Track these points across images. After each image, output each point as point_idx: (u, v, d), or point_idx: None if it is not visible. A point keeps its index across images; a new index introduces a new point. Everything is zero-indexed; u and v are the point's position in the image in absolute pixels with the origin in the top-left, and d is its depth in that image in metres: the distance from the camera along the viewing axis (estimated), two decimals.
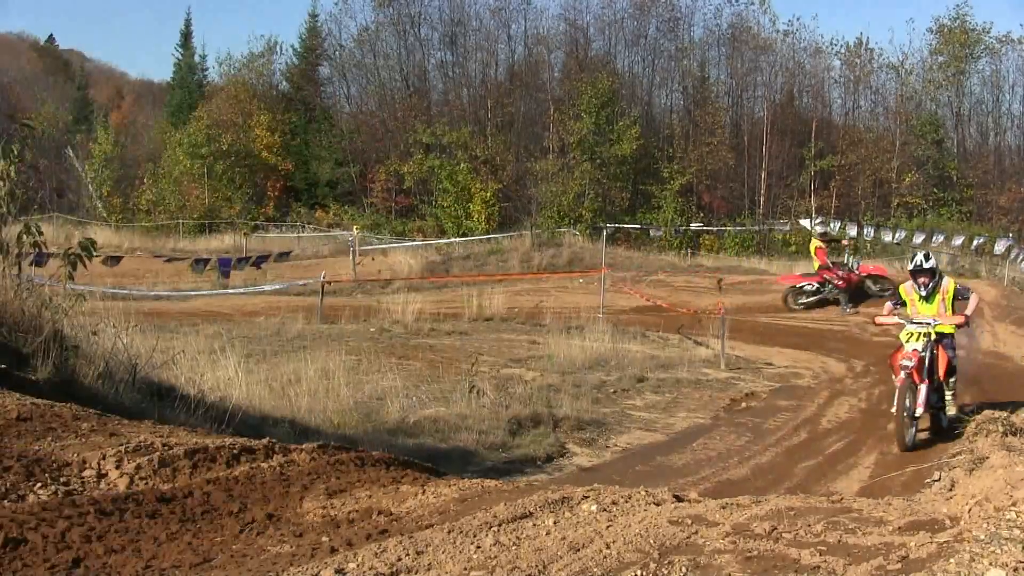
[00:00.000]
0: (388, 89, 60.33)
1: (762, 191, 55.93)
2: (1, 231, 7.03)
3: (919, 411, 11.24)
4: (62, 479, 3.65)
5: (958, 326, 12.02)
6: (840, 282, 24.98)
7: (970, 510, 2.85)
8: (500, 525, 2.97)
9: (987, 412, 8.99)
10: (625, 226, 44.71)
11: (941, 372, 11.56)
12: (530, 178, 53.00)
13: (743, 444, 11.50)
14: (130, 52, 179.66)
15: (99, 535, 3.01)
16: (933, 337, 11.54)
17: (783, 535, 2.75)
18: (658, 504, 3.36)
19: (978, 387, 15.51)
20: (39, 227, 7.27)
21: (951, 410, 12.02)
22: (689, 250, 45.20)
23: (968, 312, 12.08)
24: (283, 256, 30.92)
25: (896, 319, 12.00)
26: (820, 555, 2.54)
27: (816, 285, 25.59)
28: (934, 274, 12.07)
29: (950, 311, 12.04)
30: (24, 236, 7.05)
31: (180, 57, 69.12)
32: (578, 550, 2.69)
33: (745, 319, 23.48)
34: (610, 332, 18.94)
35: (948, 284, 12.21)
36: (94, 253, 7.60)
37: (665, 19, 60.45)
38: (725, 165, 54.99)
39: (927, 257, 12.19)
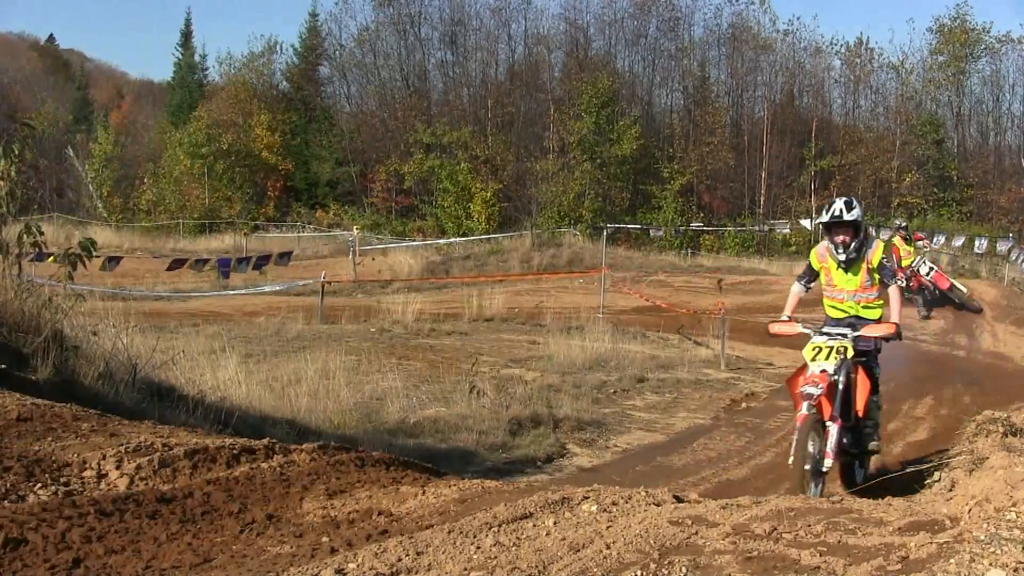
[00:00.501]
0: (388, 89, 60.34)
1: (762, 191, 55.92)
2: (1, 231, 7.03)
3: (827, 462, 7.66)
4: (62, 479, 3.65)
5: (885, 339, 8.44)
6: (912, 283, 23.15)
7: (970, 510, 2.85)
8: (500, 526, 2.97)
9: (987, 412, 8.74)
10: (625, 226, 44.68)
11: (860, 405, 8.05)
12: (530, 178, 53.01)
13: (743, 444, 11.50)
14: (130, 52, 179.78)
15: (99, 535, 3.01)
16: (851, 354, 8.05)
17: (783, 535, 2.75)
18: (658, 505, 3.36)
19: (978, 388, 15.50)
20: (39, 227, 7.27)
21: (871, 450, 8.77)
22: (689, 250, 45.24)
23: (895, 318, 8.52)
24: (284, 257, 30.86)
25: (798, 328, 8.68)
26: (820, 555, 2.54)
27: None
28: (858, 230, 8.40)
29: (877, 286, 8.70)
30: (24, 236, 7.05)
31: (180, 57, 69.17)
32: (578, 550, 2.69)
33: (745, 319, 23.47)
34: (610, 332, 18.95)
35: (876, 249, 8.62)
36: (94, 253, 7.60)
37: (665, 19, 60.46)
38: (725, 165, 54.99)
39: (849, 205, 8.34)
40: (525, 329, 21.14)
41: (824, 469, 7.66)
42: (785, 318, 9.16)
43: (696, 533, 2.81)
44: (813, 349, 8.18)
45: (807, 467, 7.43)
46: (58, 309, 7.01)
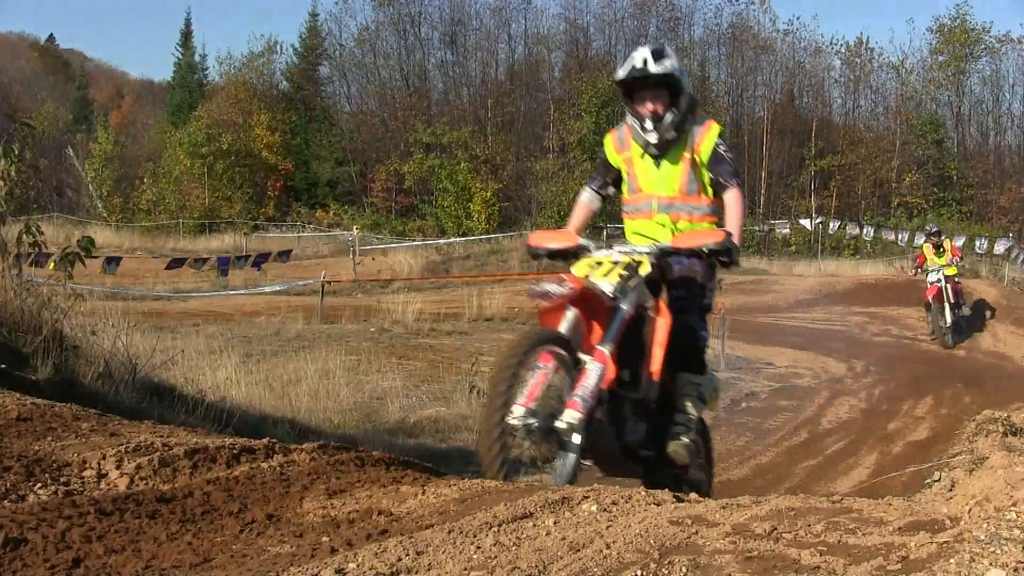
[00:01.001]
0: (388, 88, 60.46)
1: (762, 191, 56.03)
2: (1, 231, 7.03)
3: (571, 415, 4.54)
4: (62, 479, 3.66)
5: (712, 254, 5.12)
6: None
7: (970, 510, 2.85)
8: (500, 525, 2.97)
9: (987, 412, 8.78)
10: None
11: (655, 364, 5.03)
12: (530, 178, 53.08)
13: (743, 444, 11.51)
14: (130, 52, 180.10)
15: (99, 535, 3.01)
16: (645, 271, 5.06)
17: (783, 535, 2.76)
18: (658, 504, 3.37)
19: (979, 387, 15.52)
20: (39, 227, 7.27)
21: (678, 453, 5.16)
22: None
23: (732, 227, 5.34)
24: (283, 255, 30.84)
25: (575, 241, 5.44)
26: (820, 555, 2.54)
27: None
28: (677, 93, 5.45)
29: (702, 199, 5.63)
30: (24, 236, 7.05)
31: (180, 56, 69.28)
32: (578, 550, 2.69)
33: (745, 319, 23.49)
34: None
35: (708, 131, 5.59)
36: (93, 253, 7.60)
37: (665, 18, 60.66)
38: None
39: (658, 54, 5.40)
40: (525, 329, 21.14)
41: (561, 427, 4.52)
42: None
43: (696, 533, 2.81)
44: (591, 265, 5.00)
45: (519, 421, 4.36)
46: (58, 309, 7.00)
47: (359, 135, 58.25)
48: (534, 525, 2.94)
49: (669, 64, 5.36)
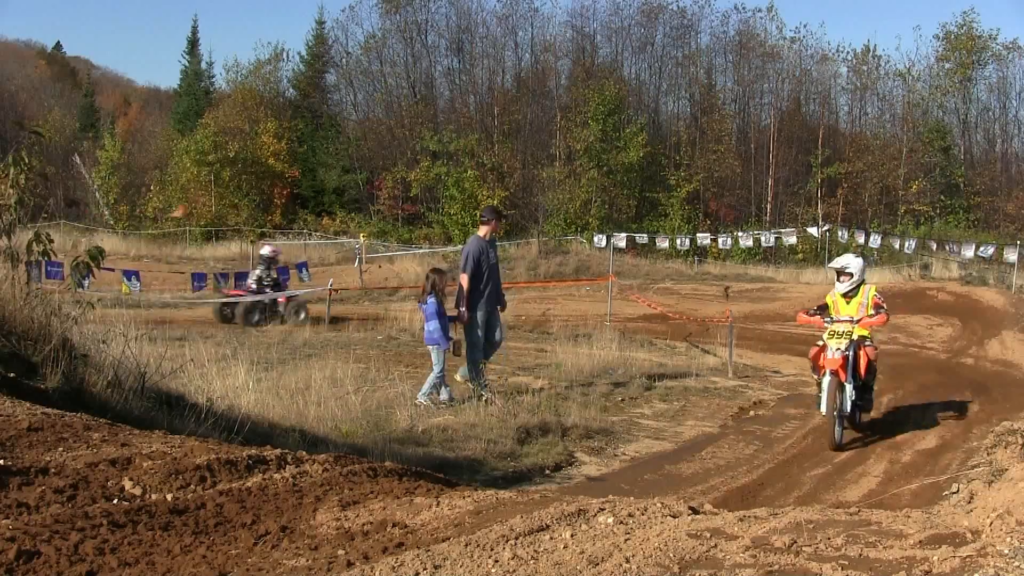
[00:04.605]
0: (395, 96, 60.51)
1: (769, 198, 56.00)
2: (11, 239, 7.02)
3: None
4: (74, 490, 3.63)
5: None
6: None
7: (992, 523, 2.82)
8: (517, 538, 2.95)
9: (1005, 424, 8.66)
10: (632, 234, 44.63)
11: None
12: (537, 185, 53.06)
13: (752, 453, 11.46)
14: (137, 59, 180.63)
15: (112, 547, 2.99)
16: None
17: (803, 549, 2.72)
18: (675, 516, 3.34)
19: (987, 395, 15.45)
20: (48, 235, 7.26)
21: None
22: (696, 257, 45.21)
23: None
24: (302, 269, 30.43)
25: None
26: (842, 569, 2.51)
27: None
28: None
29: None
30: (34, 244, 7.04)
31: (187, 64, 69.36)
32: (597, 564, 2.66)
33: (753, 327, 23.44)
34: (617, 340, 18.88)
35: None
36: (101, 264, 7.58)
37: (672, 26, 60.66)
38: (732, 172, 55.04)
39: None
40: (532, 337, 21.11)
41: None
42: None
43: (715, 546, 2.78)
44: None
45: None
46: (67, 317, 6.99)
47: (366, 143, 58.28)
48: (551, 538, 2.91)
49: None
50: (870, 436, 12.41)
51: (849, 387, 11.60)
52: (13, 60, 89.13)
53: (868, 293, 12.31)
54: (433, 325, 12.76)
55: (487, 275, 13.29)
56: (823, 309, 12.45)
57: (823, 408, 11.52)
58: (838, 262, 12.60)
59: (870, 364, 11.99)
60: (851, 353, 11.65)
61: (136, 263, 36.02)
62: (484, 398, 12.34)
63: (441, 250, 43.45)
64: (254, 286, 23.45)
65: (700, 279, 39.22)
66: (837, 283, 12.49)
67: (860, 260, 12.73)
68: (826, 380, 11.52)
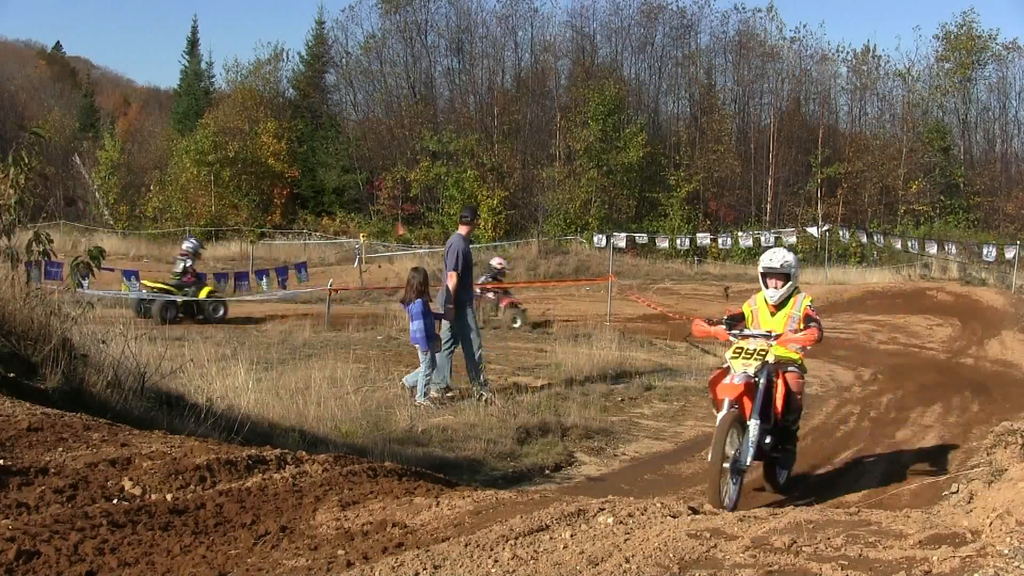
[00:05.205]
0: (395, 96, 60.46)
1: (769, 198, 55.99)
2: (11, 239, 7.03)
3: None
4: (74, 490, 3.63)
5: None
6: None
7: (991, 524, 2.82)
8: (517, 538, 2.95)
9: (1005, 424, 8.60)
10: (632, 234, 44.58)
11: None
12: (537, 186, 53.03)
13: None
14: (137, 59, 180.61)
15: (112, 547, 2.98)
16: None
17: (803, 549, 2.72)
18: (674, 516, 3.34)
19: (987, 396, 15.46)
20: (48, 235, 7.26)
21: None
22: (696, 257, 45.18)
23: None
24: (301, 269, 30.46)
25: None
26: (842, 569, 2.51)
27: None
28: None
29: None
30: (34, 244, 7.05)
31: (187, 64, 69.29)
32: (597, 564, 2.66)
33: None
34: (617, 340, 18.88)
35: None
36: (101, 264, 7.58)
37: (672, 26, 60.59)
38: (732, 172, 55.01)
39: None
40: (532, 337, 21.11)
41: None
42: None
43: (715, 546, 2.78)
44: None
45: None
46: (67, 317, 6.99)
47: (365, 143, 58.24)
48: (551, 538, 2.91)
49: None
50: (870, 436, 12.41)
51: (754, 427, 8.21)
52: (13, 60, 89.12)
53: (800, 303, 9.14)
54: (417, 325, 12.76)
55: (470, 273, 13.56)
56: (736, 321, 9.36)
57: (709, 453, 7.94)
58: (769, 259, 9.33)
59: (791, 399, 8.88)
60: (762, 380, 8.39)
61: (136, 263, 36.00)
62: (484, 398, 12.36)
63: (441, 250, 43.37)
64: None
65: (700, 279, 39.24)
66: (765, 288, 9.25)
67: (795, 258, 9.50)
68: (721, 414, 8.15)
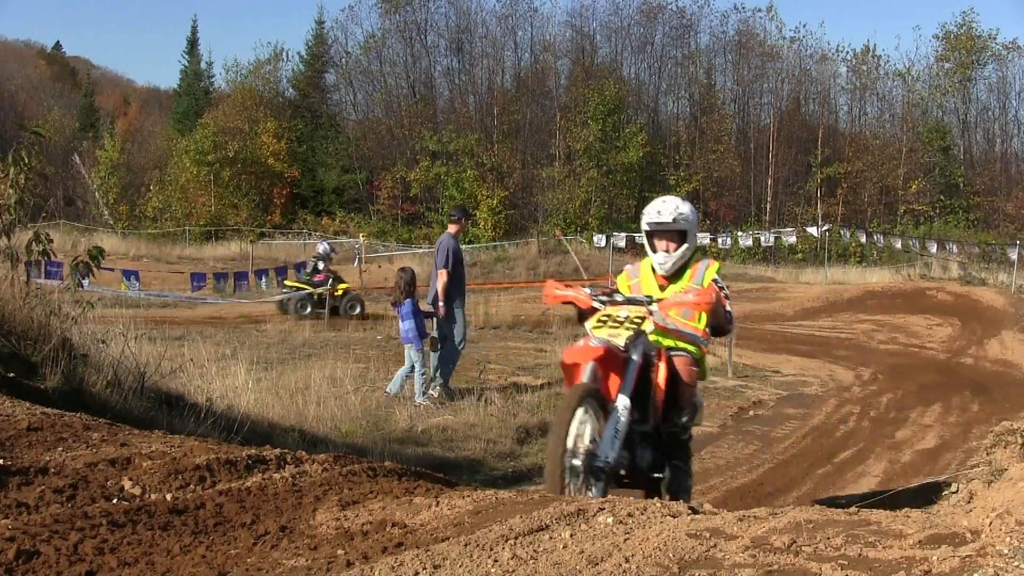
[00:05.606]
0: (394, 96, 60.52)
1: (768, 198, 56.03)
2: (10, 239, 7.03)
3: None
4: (73, 490, 3.63)
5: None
6: None
7: (991, 523, 2.82)
8: (517, 538, 2.95)
9: (1005, 423, 8.61)
10: (632, 234, 44.53)
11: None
12: (537, 185, 53.07)
13: (751, 452, 11.45)
14: (137, 59, 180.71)
15: (112, 547, 2.99)
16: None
17: (803, 548, 2.73)
18: (674, 516, 3.34)
19: (986, 395, 15.45)
20: (48, 235, 7.27)
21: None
22: None
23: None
24: (300, 268, 30.63)
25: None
26: (842, 569, 2.51)
27: None
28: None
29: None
30: (34, 244, 7.05)
31: (186, 64, 69.31)
32: (597, 563, 2.67)
33: (752, 327, 23.41)
34: None
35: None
36: (101, 264, 7.58)
37: (672, 26, 60.67)
38: (731, 172, 55.07)
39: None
40: (532, 337, 21.13)
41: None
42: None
43: (715, 546, 2.78)
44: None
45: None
46: (67, 317, 6.99)
47: (365, 142, 58.29)
48: (550, 538, 2.91)
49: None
50: (870, 436, 12.41)
51: (623, 409, 5.46)
52: (13, 60, 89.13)
53: (703, 274, 6.58)
54: (408, 324, 12.78)
55: (461, 272, 13.65)
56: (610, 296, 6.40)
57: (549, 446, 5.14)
58: (656, 212, 6.45)
59: (680, 391, 6.19)
60: (636, 356, 5.75)
61: (136, 263, 36.04)
62: (437, 394, 12.50)
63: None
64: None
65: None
66: (652, 253, 6.56)
67: (692, 209, 6.56)
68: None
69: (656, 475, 6.07)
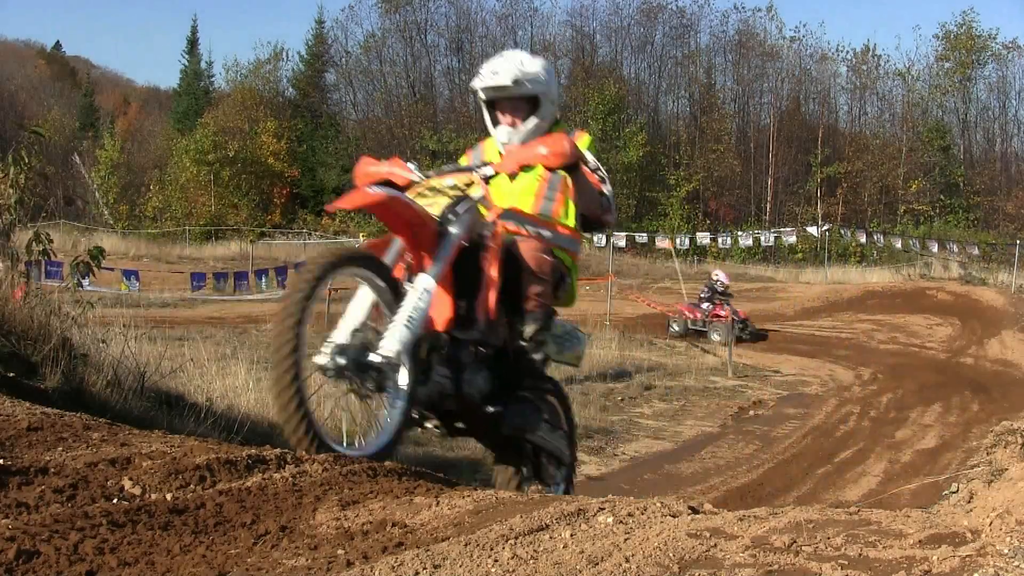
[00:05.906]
0: (394, 96, 60.50)
1: (768, 198, 55.98)
2: (10, 239, 7.03)
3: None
4: (73, 490, 3.63)
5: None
6: None
7: (991, 523, 2.81)
8: (517, 538, 2.95)
9: (1005, 423, 8.62)
10: (632, 233, 44.57)
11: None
12: None
13: (751, 452, 11.47)
14: (137, 59, 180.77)
15: (112, 547, 2.98)
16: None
17: (803, 548, 2.73)
18: (674, 516, 3.34)
19: (986, 395, 15.46)
20: (48, 235, 7.27)
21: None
22: (696, 257, 45.16)
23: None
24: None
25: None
26: (842, 569, 2.51)
27: None
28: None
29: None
30: (34, 244, 7.05)
31: (186, 64, 69.24)
32: (597, 563, 2.67)
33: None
34: (617, 340, 18.89)
35: None
36: (101, 264, 7.59)
37: (672, 26, 60.61)
38: (731, 172, 55.02)
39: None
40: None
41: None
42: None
43: (715, 546, 2.78)
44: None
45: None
46: (67, 317, 6.99)
47: (365, 142, 58.21)
48: (551, 538, 2.91)
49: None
50: (870, 435, 12.42)
51: (421, 298, 3.97)
52: (13, 60, 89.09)
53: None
54: None
55: None
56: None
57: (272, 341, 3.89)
58: (492, 73, 4.85)
59: (524, 283, 4.59)
60: (456, 229, 4.19)
61: (136, 263, 36.03)
62: None
63: None
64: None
65: (700, 279, 39.23)
66: (493, 129, 5.07)
67: (544, 65, 5.21)
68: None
69: (490, 408, 4.53)
